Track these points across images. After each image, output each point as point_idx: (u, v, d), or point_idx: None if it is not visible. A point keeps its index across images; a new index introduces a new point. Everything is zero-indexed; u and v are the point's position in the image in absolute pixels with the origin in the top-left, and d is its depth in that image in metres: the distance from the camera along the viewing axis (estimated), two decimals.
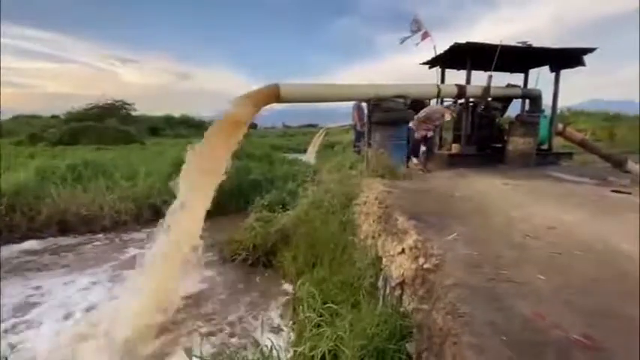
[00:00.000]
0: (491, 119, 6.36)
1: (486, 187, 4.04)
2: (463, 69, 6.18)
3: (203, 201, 3.01)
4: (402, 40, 7.19)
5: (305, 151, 19.03)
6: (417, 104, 5.95)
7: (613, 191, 3.76)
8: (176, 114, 30.26)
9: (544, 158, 6.38)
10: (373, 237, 3.39)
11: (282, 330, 3.25)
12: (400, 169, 4.74)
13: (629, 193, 3.71)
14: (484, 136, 6.28)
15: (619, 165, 6.84)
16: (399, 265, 2.63)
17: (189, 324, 3.28)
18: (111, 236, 5.85)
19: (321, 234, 4.12)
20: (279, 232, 4.95)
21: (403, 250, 2.63)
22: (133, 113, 24.47)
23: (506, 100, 6.51)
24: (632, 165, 6.81)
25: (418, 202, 3.25)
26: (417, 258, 2.40)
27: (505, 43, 5.55)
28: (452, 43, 5.75)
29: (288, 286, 4.16)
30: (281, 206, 6.59)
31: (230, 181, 7.42)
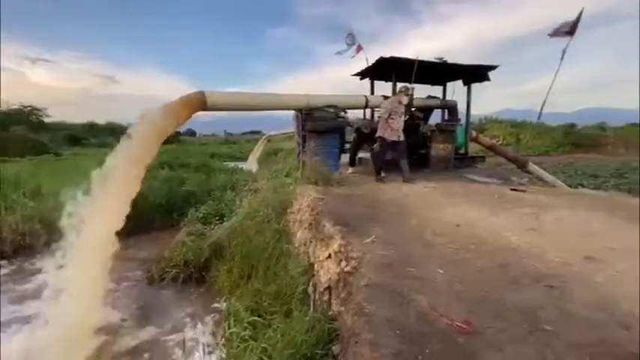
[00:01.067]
0: (415, 127, 6.94)
1: (409, 190, 4.37)
2: (390, 81, 6.67)
3: (113, 218, 2.76)
4: (339, 52, 7.57)
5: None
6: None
7: (511, 190, 4.35)
8: (101, 121, 27.43)
9: (462, 162, 7.13)
10: (305, 244, 3.44)
11: (212, 349, 3.10)
12: (334, 175, 4.90)
13: (524, 191, 4.32)
14: (410, 143, 6.80)
15: (522, 166, 7.92)
16: (326, 270, 2.70)
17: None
18: (13, 263, 5.04)
19: (256, 244, 4.06)
20: (213, 245, 4.75)
21: (330, 255, 2.72)
22: (47, 120, 21.56)
23: (428, 110, 7.17)
24: (532, 166, 7.93)
25: (346, 208, 3.38)
26: (340, 262, 2.50)
27: (424, 58, 6.13)
28: (379, 57, 6.19)
29: (222, 302, 4.00)
30: (218, 218, 6.34)
31: (159, 194, 6.95)
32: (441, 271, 1.86)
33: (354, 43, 7.42)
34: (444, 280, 1.75)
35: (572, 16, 6.03)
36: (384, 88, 7.29)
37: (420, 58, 6.07)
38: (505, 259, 1.98)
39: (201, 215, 6.43)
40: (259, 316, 3.19)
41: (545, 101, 7.52)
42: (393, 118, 4.83)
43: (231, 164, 13.19)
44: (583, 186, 8.69)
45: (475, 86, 7.27)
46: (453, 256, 2.08)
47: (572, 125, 19.11)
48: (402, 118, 4.96)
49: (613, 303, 1.46)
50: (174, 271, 4.59)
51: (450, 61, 6.64)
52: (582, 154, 15.85)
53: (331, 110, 4.91)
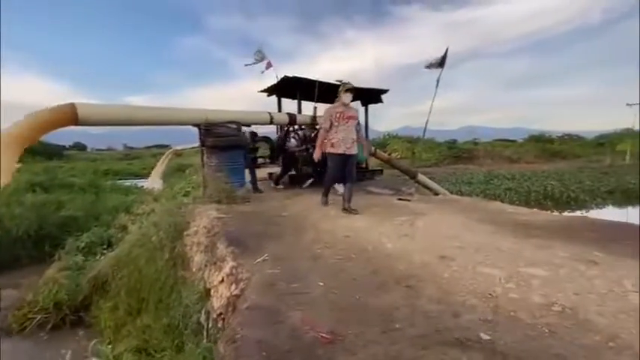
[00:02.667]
0: None
1: (311, 204, 4.55)
2: (295, 99, 6.94)
3: None
4: (248, 65, 7.54)
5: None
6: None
7: (399, 199, 4.91)
8: None
9: (363, 175, 7.76)
10: (201, 269, 3.25)
11: None
12: (239, 192, 4.79)
13: (409, 200, 4.93)
14: (318, 158, 7.17)
15: (413, 177, 9.04)
16: (220, 296, 2.59)
17: None
18: None
19: (147, 274, 3.66)
20: (93, 280, 4.12)
21: (222, 279, 2.62)
22: None
23: None
24: (421, 176, 9.11)
25: (246, 226, 3.33)
26: (231, 285, 2.43)
27: (326, 80, 6.58)
28: (283, 76, 6.40)
29: (104, 346, 3.46)
30: (105, 246, 5.54)
31: (26, 223, 5.74)
32: (321, 283, 1.96)
33: (263, 58, 7.51)
34: (322, 293, 1.85)
35: (449, 51, 7.18)
36: (305, 105, 7.55)
37: (322, 80, 6.50)
38: (378, 266, 2.20)
39: (82, 245, 5.53)
40: (148, 354, 2.88)
41: (427, 121, 8.79)
42: (335, 131, 3.90)
43: (129, 183, 11.75)
44: (461, 192, 10.28)
45: (380, 106, 8.14)
46: (335, 267, 2.22)
47: (454, 141, 22.72)
48: (349, 127, 3.94)
49: (451, 295, 1.75)
50: (40, 316, 3.81)
51: (353, 83, 7.29)
52: (462, 165, 18.94)
53: (233, 126, 4.82)
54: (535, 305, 1.58)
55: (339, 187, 4.84)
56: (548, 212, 5.63)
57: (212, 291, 2.82)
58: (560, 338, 1.33)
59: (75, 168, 14.12)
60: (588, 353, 1.23)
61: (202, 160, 4.74)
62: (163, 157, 15.74)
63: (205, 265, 3.13)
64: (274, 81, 7.04)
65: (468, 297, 1.70)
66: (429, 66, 8.00)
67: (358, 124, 4.23)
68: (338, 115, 3.96)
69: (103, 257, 4.63)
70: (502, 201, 8.44)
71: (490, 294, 1.71)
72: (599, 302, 1.58)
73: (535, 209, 7.41)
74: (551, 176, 12.99)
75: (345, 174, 4.08)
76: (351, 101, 8.85)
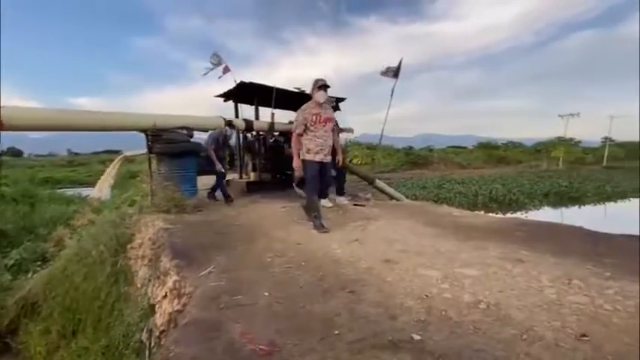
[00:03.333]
0: (281, 149, 7.31)
1: (267, 212, 4.50)
2: (252, 104, 6.87)
3: None
4: (205, 73, 7.32)
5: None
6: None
7: (354, 205, 5.03)
8: None
9: None
10: (144, 284, 3.06)
11: None
12: (190, 201, 4.60)
13: (364, 205, 5.06)
14: (277, 165, 7.12)
15: (371, 182, 9.31)
16: (163, 312, 2.46)
17: None
18: None
19: (85, 292, 3.38)
20: (22, 301, 3.71)
21: (166, 295, 2.49)
22: None
23: (291, 134, 7.68)
24: (378, 182, 9.41)
25: (194, 237, 3.20)
26: (173, 300, 2.31)
27: (284, 85, 6.61)
28: (240, 81, 6.30)
29: None
30: (39, 263, 5.05)
31: None
32: (266, 293, 1.94)
33: (220, 63, 7.34)
34: (266, 303, 1.83)
35: (405, 62, 7.49)
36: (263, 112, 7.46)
37: (279, 87, 6.51)
38: (326, 272, 2.23)
39: (11, 262, 5.00)
40: None
41: (383, 129, 9.16)
42: (311, 137, 3.41)
43: (72, 192, 10.80)
44: (416, 196, 10.75)
45: (341, 113, 8.31)
46: (283, 276, 2.21)
47: (411, 147, 23.79)
48: (327, 132, 3.49)
49: (391, 298, 1.82)
50: None
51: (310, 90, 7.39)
52: (418, 170, 19.89)
53: (184, 132, 4.65)
54: (464, 304, 1.69)
55: (326, 202, 4.39)
56: (490, 214, 6.07)
57: (156, 307, 2.67)
58: (482, 334, 1.44)
59: (7, 177, 12.68)
60: (504, 346, 1.34)
61: (150, 168, 4.50)
62: (113, 163, 14.66)
63: (149, 280, 2.96)
64: (233, 85, 6.92)
65: (405, 299, 1.78)
66: (384, 73, 8.38)
67: (336, 125, 3.78)
68: (314, 118, 3.39)
69: (31, 276, 4.20)
70: (452, 204, 8.96)
71: (426, 295, 1.80)
72: (519, 298, 1.73)
73: (480, 212, 7.96)
74: (496, 180, 13.95)
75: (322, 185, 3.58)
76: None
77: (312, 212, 3.51)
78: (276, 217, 4.13)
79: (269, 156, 6.95)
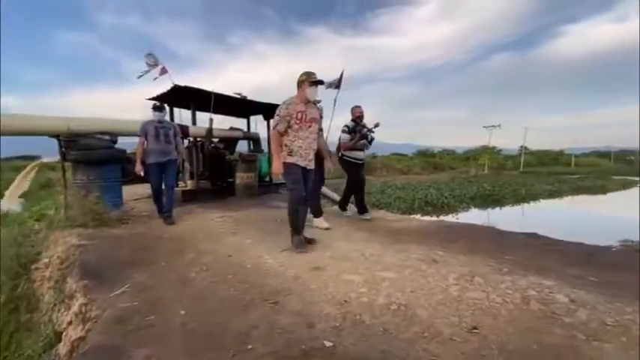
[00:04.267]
0: (221, 157, 7.07)
1: (202, 222, 4.30)
2: (188, 109, 6.56)
3: None
4: (140, 76, 6.78)
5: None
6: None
7: None
8: None
9: (267, 189, 7.76)
10: (49, 310, 2.71)
11: None
12: (113, 213, 4.20)
13: None
14: (217, 172, 6.86)
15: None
16: (68, 340, 2.19)
17: None
18: None
19: None
20: None
21: (72, 320, 2.22)
22: None
23: (232, 141, 7.47)
24: (324, 189, 9.59)
25: (111, 253, 2.92)
26: (78, 326, 2.08)
27: (229, 90, 6.43)
28: (174, 84, 5.98)
29: None
30: None
31: None
32: (183, 312, 1.83)
33: (156, 63, 6.87)
34: (181, 322, 1.73)
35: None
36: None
37: (218, 92, 6.31)
38: (251, 284, 2.18)
39: None
40: None
41: (326, 137, 9.34)
42: (293, 137, 2.96)
43: None
44: None
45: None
46: (205, 292, 2.11)
47: None
48: (312, 134, 3.06)
49: (312, 306, 1.84)
50: None
51: (263, 96, 7.29)
52: None
53: (106, 137, 4.25)
54: (378, 306, 1.78)
55: (320, 222, 3.87)
56: (420, 217, 6.51)
57: (63, 334, 2.37)
58: (389, 335, 1.52)
59: None
60: (407, 345, 1.44)
61: (64, 177, 4.02)
62: (25, 170, 12.83)
63: (55, 305, 2.63)
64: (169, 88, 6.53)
65: (325, 306, 1.81)
66: (329, 86, 8.63)
67: (320, 129, 3.46)
68: (299, 116, 2.94)
69: None
70: (392, 208, 9.45)
71: (345, 300, 1.86)
72: (427, 297, 1.87)
73: (417, 215, 8.51)
74: (431, 185, 14.97)
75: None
76: (253, 115, 8.71)
77: (294, 227, 3.03)
78: (210, 228, 3.96)
79: (208, 163, 6.67)
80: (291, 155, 3.00)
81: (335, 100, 8.57)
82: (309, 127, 3.03)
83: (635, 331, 1.49)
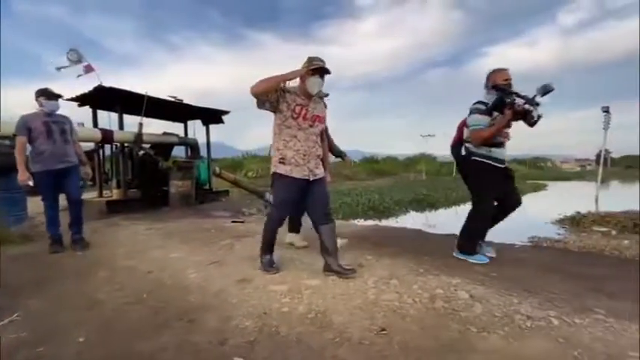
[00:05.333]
0: (154, 163, 6.60)
1: (125, 236, 3.95)
2: (115, 111, 6.04)
3: None
4: (59, 68, 6.04)
5: None
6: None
7: (233, 222, 4.88)
8: None
9: (206, 197, 7.42)
10: None
11: None
12: (15, 229, 3.66)
13: (243, 222, 4.97)
14: (149, 180, 6.38)
15: (261, 197, 9.29)
16: None
17: None
18: None
19: None
20: None
21: None
22: None
23: (166, 147, 7.03)
24: (268, 196, 9.47)
25: (4, 277, 2.52)
26: None
27: (163, 94, 6.04)
28: (97, 85, 5.46)
29: None
30: None
31: None
32: (81, 339, 1.65)
33: (80, 60, 6.20)
34: (76, 352, 1.55)
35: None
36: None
37: (151, 94, 5.91)
38: (168, 302, 2.05)
39: None
40: None
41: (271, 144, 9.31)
42: (290, 138, 2.35)
43: None
44: None
45: (242, 125, 8.01)
46: (113, 314, 1.93)
47: None
48: (314, 135, 2.41)
49: (229, 321, 1.78)
50: None
51: (209, 100, 6.97)
52: None
53: (6, 143, 3.70)
54: (297, 316, 1.79)
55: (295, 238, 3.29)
56: (362, 222, 6.75)
57: None
58: (303, 344, 1.53)
59: None
60: (318, 353, 1.46)
61: None
62: None
63: None
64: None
65: (243, 320, 1.77)
66: None
67: (326, 130, 2.84)
68: (298, 110, 2.32)
69: None
70: (338, 213, 9.65)
71: (265, 312, 1.84)
72: (346, 302, 1.93)
73: (360, 220, 8.79)
74: (375, 191, 15.64)
75: (313, 209, 2.45)
76: (190, 120, 8.35)
77: (263, 245, 2.53)
78: (133, 242, 3.65)
79: (138, 171, 6.18)
80: (283, 163, 2.34)
81: None
82: (311, 126, 2.36)
83: (517, 320, 1.70)
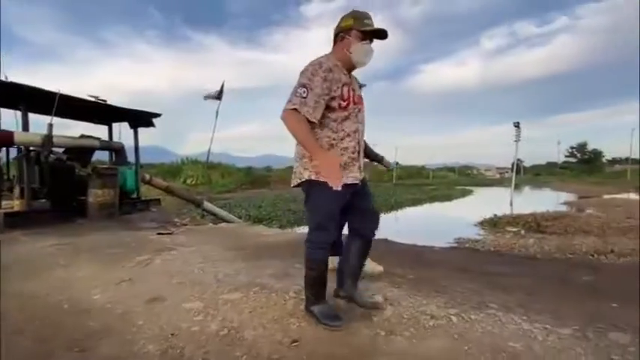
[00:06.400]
0: (68, 170, 5.87)
1: (25, 253, 3.42)
2: (18, 110, 5.25)
3: None
4: None
5: None
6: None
7: (158, 234, 4.52)
8: None
9: (134, 206, 6.78)
10: None
11: None
12: None
13: (171, 233, 4.63)
14: (61, 189, 5.64)
15: (198, 205, 8.80)
16: None
17: None
18: None
19: None
20: None
21: None
22: None
23: (85, 151, 6.31)
24: (206, 204, 8.98)
25: None
26: None
27: (101, 91, 5.40)
28: None
29: None
30: None
31: None
32: None
33: None
34: None
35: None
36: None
37: (73, 93, 5.28)
38: (60, 330, 1.79)
39: None
40: None
41: (210, 148, 8.99)
42: (335, 129, 1.71)
43: None
44: (250, 216, 10.90)
45: (183, 129, 7.46)
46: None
47: (250, 168, 24.35)
48: (360, 122, 1.80)
49: (131, 346, 1.62)
50: None
51: (149, 103, 6.37)
52: (257, 190, 20.44)
53: None
54: (207, 334, 1.69)
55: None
56: (294, 230, 6.76)
57: None
58: None
59: None
60: None
61: None
62: None
63: None
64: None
65: (147, 344, 1.62)
66: (207, 97, 8.27)
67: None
68: (346, 93, 1.69)
69: None
70: (281, 221, 9.55)
71: (172, 333, 1.71)
72: (262, 315, 1.88)
73: (303, 227, 8.81)
74: None
75: (362, 216, 1.87)
76: (115, 122, 7.63)
77: (311, 289, 1.81)
78: (34, 261, 3.17)
79: (48, 178, 5.42)
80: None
81: (217, 112, 8.30)
82: (360, 110, 1.77)
83: (422, 320, 1.81)
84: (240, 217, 9.63)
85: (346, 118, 1.70)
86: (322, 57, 1.69)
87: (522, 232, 7.09)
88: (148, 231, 4.91)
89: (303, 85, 1.57)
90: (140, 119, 6.91)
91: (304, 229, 8.57)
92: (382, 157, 2.87)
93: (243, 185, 21.15)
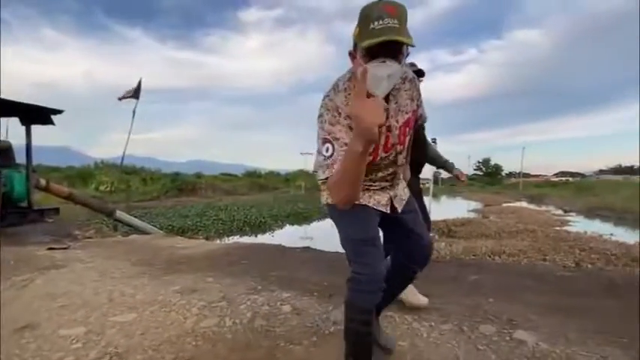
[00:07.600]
0: None
1: None
2: None
3: None
4: None
5: None
6: None
7: (49, 249, 3.91)
8: None
9: (23, 217, 5.78)
10: None
11: None
12: None
13: (66, 248, 4.03)
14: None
15: (110, 215, 7.84)
16: None
17: None
18: None
19: None
20: None
21: None
22: None
23: None
24: (119, 213, 8.06)
25: None
26: None
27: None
28: None
29: None
30: None
31: None
32: None
33: None
34: None
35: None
36: None
37: None
38: None
39: None
40: None
41: (124, 151, 8.15)
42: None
43: None
44: (173, 226, 10.10)
45: (98, 130, 6.47)
46: None
47: (178, 173, 22.74)
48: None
49: None
50: None
51: (59, 96, 5.39)
52: (185, 198, 19.09)
53: None
54: None
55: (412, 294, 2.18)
56: (217, 242, 6.49)
57: None
58: None
59: None
60: None
61: None
62: None
63: None
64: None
65: None
66: (124, 96, 7.51)
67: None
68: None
69: None
70: (210, 231, 9.04)
71: None
72: (155, 337, 1.73)
73: (235, 237, 8.47)
74: (254, 206, 15.51)
75: (397, 259, 1.42)
76: (19, 118, 6.53)
77: (351, 349, 1.30)
78: None
79: None
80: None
81: (134, 112, 7.60)
82: (399, 153, 1.30)
83: (324, 328, 1.86)
84: (161, 228, 8.87)
85: (376, 169, 1.26)
86: (337, 82, 1.20)
87: (436, 236, 7.87)
88: (37, 246, 4.20)
89: (324, 141, 1.13)
90: (34, 115, 5.96)
91: (233, 239, 8.27)
92: (452, 165, 2.33)
93: (169, 192, 19.58)
